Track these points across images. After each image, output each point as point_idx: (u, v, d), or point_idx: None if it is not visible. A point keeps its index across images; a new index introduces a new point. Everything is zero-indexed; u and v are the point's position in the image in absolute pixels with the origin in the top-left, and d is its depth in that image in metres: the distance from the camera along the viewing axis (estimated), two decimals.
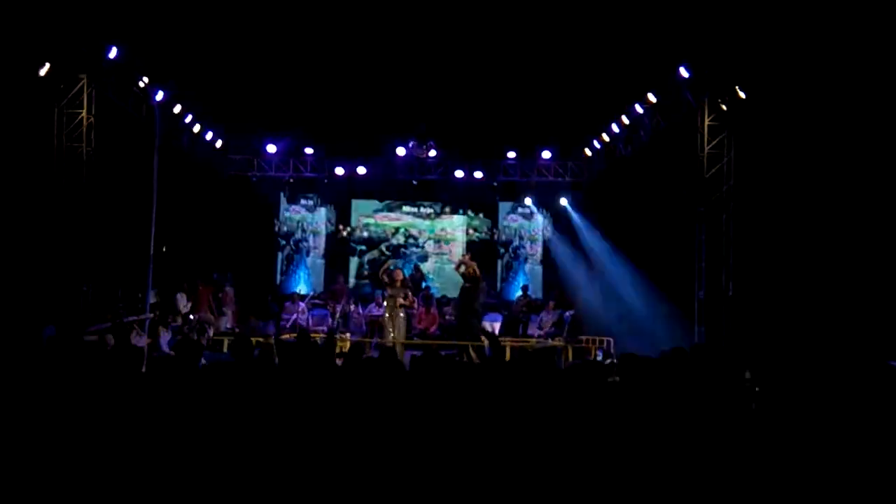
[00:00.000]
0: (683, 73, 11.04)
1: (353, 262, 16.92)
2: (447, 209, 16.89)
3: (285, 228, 16.84)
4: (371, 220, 16.97)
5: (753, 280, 10.58)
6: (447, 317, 13.49)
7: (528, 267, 16.97)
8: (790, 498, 3.37)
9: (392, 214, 16.97)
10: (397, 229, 16.95)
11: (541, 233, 16.93)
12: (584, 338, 12.33)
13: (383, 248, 16.86)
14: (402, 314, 11.80)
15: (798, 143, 9.63)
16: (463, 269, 12.27)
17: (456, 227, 16.97)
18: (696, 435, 3.87)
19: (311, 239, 16.92)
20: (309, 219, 16.93)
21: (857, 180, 8.97)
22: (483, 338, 10.62)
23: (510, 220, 17.02)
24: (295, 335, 9.11)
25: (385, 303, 12.21)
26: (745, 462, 3.54)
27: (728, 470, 3.54)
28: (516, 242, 17.02)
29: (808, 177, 9.55)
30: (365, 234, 16.96)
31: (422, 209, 16.93)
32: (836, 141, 9.13)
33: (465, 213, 16.95)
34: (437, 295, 14.74)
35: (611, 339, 11.88)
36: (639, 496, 3.41)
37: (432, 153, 15.48)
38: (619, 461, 3.54)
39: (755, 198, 10.63)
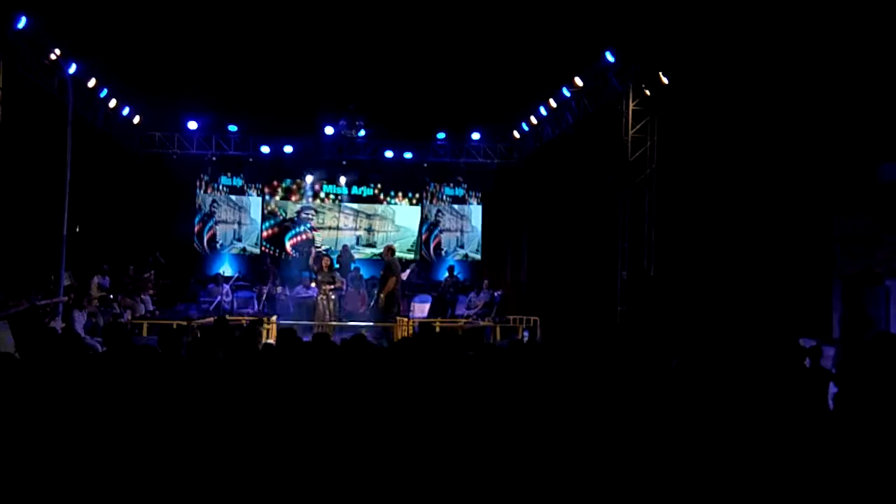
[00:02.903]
0: (609, 58, 11.26)
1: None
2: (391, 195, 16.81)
3: (207, 208, 16.37)
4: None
5: (674, 260, 10.95)
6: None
7: (456, 248, 17.08)
8: (705, 470, 3.52)
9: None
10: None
11: (470, 214, 17.05)
12: (511, 317, 12.53)
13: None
14: (332, 297, 11.84)
15: (718, 127, 9.97)
16: (387, 255, 12.75)
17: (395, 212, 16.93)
18: (610, 411, 3.99)
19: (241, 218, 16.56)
20: (235, 199, 16.53)
21: (773, 163, 9.36)
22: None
23: (439, 202, 17.06)
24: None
25: (313, 285, 12.15)
26: (658, 437, 3.67)
27: (641, 446, 3.66)
28: (446, 224, 17.08)
29: (727, 160, 9.91)
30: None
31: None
32: (755, 125, 9.49)
33: (395, 196, 16.91)
34: (367, 276, 14.68)
35: (537, 319, 12.10)
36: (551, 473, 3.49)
37: (362, 133, 15.33)
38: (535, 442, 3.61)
39: (677, 180, 10.98)
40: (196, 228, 16.17)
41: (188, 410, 3.56)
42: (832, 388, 6.41)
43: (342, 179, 16.55)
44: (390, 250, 12.96)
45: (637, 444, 3.64)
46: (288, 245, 16.63)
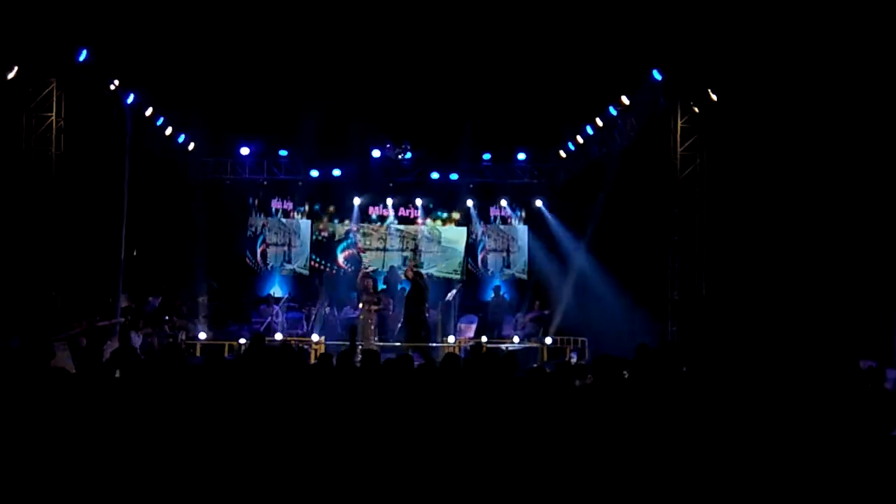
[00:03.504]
0: (656, 75, 11.15)
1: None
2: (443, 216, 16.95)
3: (260, 231, 16.72)
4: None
5: (726, 280, 10.70)
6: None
7: (503, 269, 17.02)
8: (764, 492, 3.41)
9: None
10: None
11: (517, 234, 17.00)
12: (558, 338, 12.40)
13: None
14: (375, 318, 11.91)
15: (768, 144, 9.76)
16: (409, 274, 12.88)
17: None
18: (668, 432, 3.90)
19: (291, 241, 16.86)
20: (286, 222, 16.84)
21: (826, 182, 9.10)
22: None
23: (485, 223, 17.06)
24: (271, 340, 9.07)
25: (360, 306, 12.26)
26: (715, 456, 3.57)
27: (699, 466, 3.57)
28: (492, 244, 17.07)
29: (778, 178, 9.68)
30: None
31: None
32: (806, 143, 9.26)
33: (439, 216, 17.01)
34: None
35: (585, 340, 11.95)
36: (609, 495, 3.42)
37: (408, 155, 15.47)
38: (590, 461, 3.56)
39: (727, 199, 10.76)
40: (249, 250, 16.55)
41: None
42: None
43: (389, 201, 16.73)
44: (411, 269, 12.91)
45: (691, 468, 3.56)
46: (340, 258, 16.83)
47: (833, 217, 9.12)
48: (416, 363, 5.76)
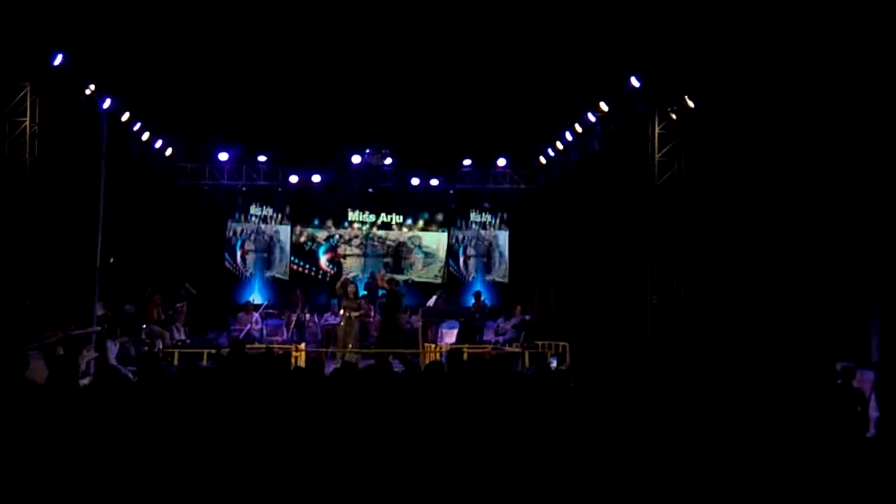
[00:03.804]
0: (634, 82, 11.25)
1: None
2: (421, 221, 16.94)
3: (238, 237, 16.61)
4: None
5: (704, 284, 10.79)
6: (406, 324, 13.47)
7: (483, 274, 17.05)
8: (736, 493, 3.43)
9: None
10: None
11: (497, 240, 17.04)
12: (539, 343, 12.42)
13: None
14: (356, 324, 11.84)
15: (745, 151, 9.87)
16: (381, 283, 12.99)
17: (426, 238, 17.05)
18: (647, 434, 3.93)
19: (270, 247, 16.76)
20: (265, 227, 16.73)
21: (802, 185, 9.22)
22: None
23: (466, 227, 17.10)
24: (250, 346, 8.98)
25: (341, 312, 12.20)
26: (687, 463, 3.59)
27: (678, 466, 3.58)
28: (472, 250, 17.08)
29: (754, 183, 9.79)
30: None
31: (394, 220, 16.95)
32: (783, 146, 9.38)
33: (420, 222, 17.02)
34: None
35: (566, 345, 11.99)
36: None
37: (388, 161, 15.46)
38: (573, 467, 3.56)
39: (705, 204, 10.86)
40: (228, 255, 16.43)
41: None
42: (874, 413, 6.22)
43: (368, 208, 16.72)
44: (383, 279, 12.97)
45: (664, 469, 3.57)
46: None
47: (809, 220, 9.23)
48: (395, 369, 5.75)
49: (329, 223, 16.92)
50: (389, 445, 3.53)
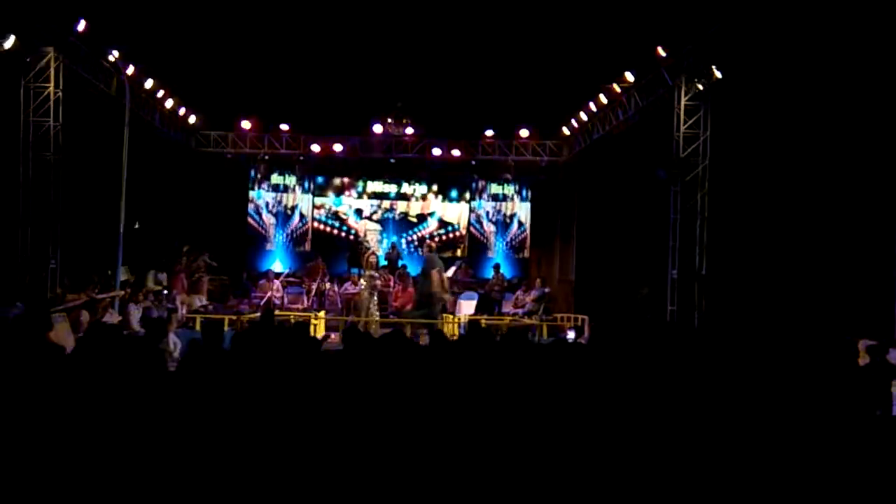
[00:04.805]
0: (661, 52, 11.02)
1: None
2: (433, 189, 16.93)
3: (261, 205, 16.74)
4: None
5: (726, 259, 10.67)
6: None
7: (504, 246, 17.01)
8: (758, 469, 3.41)
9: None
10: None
11: (518, 211, 16.96)
12: (559, 315, 12.41)
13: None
14: (375, 294, 11.94)
15: (773, 123, 9.67)
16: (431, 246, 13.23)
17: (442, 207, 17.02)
18: (666, 410, 3.90)
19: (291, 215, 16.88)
20: (286, 197, 16.83)
21: (828, 160, 9.03)
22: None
23: (487, 199, 17.04)
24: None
25: (361, 282, 12.28)
26: (704, 439, 3.57)
27: (695, 446, 3.56)
28: (493, 221, 17.04)
29: (782, 156, 9.61)
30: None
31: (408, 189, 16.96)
32: (811, 118, 9.18)
33: (441, 193, 16.99)
34: (413, 274, 14.75)
35: (586, 317, 11.95)
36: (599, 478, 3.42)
37: (409, 131, 15.39)
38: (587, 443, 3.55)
39: (729, 177, 10.68)
40: (249, 224, 16.58)
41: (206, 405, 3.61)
42: None
43: (389, 178, 16.72)
44: (428, 246, 13.06)
45: (680, 445, 3.55)
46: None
47: (835, 197, 9.06)
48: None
49: (350, 193, 16.94)
50: (397, 416, 3.55)
